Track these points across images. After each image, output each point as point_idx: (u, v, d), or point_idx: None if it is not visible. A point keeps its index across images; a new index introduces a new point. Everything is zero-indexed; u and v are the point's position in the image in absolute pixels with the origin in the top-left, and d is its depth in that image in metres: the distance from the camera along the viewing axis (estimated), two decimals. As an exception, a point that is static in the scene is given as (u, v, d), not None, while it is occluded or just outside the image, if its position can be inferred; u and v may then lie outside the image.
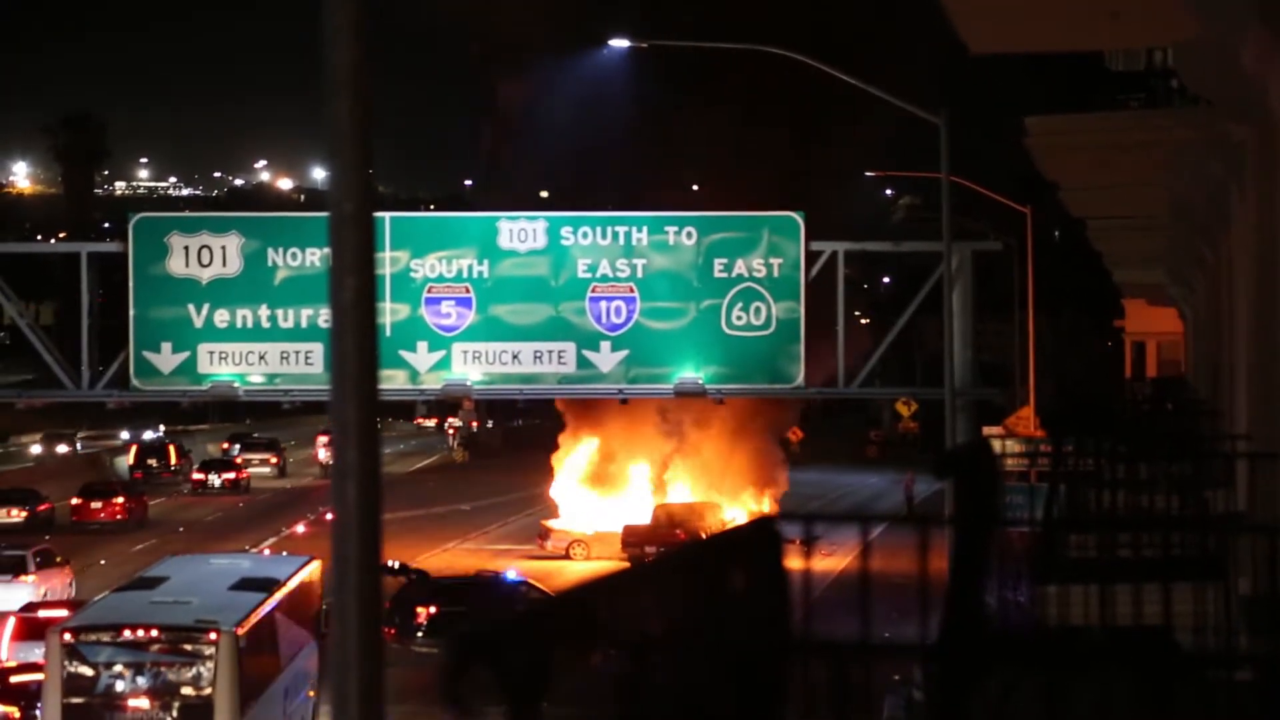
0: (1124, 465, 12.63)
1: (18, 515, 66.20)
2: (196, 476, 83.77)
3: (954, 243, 43.04)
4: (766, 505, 66.76)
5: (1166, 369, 40.69)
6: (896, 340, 52.24)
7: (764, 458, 69.06)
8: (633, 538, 60.01)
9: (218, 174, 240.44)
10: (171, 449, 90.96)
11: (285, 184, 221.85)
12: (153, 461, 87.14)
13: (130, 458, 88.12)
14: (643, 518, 64.29)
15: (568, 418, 68.68)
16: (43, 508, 67.94)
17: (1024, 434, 44.49)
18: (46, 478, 76.78)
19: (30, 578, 48.79)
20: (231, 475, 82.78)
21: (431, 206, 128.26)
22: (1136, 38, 18.02)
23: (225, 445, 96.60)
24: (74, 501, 67.85)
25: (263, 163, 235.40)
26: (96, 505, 67.28)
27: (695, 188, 67.94)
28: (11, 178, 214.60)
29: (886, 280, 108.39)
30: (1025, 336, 56.40)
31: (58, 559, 51.51)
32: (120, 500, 68.11)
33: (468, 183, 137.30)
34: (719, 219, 49.01)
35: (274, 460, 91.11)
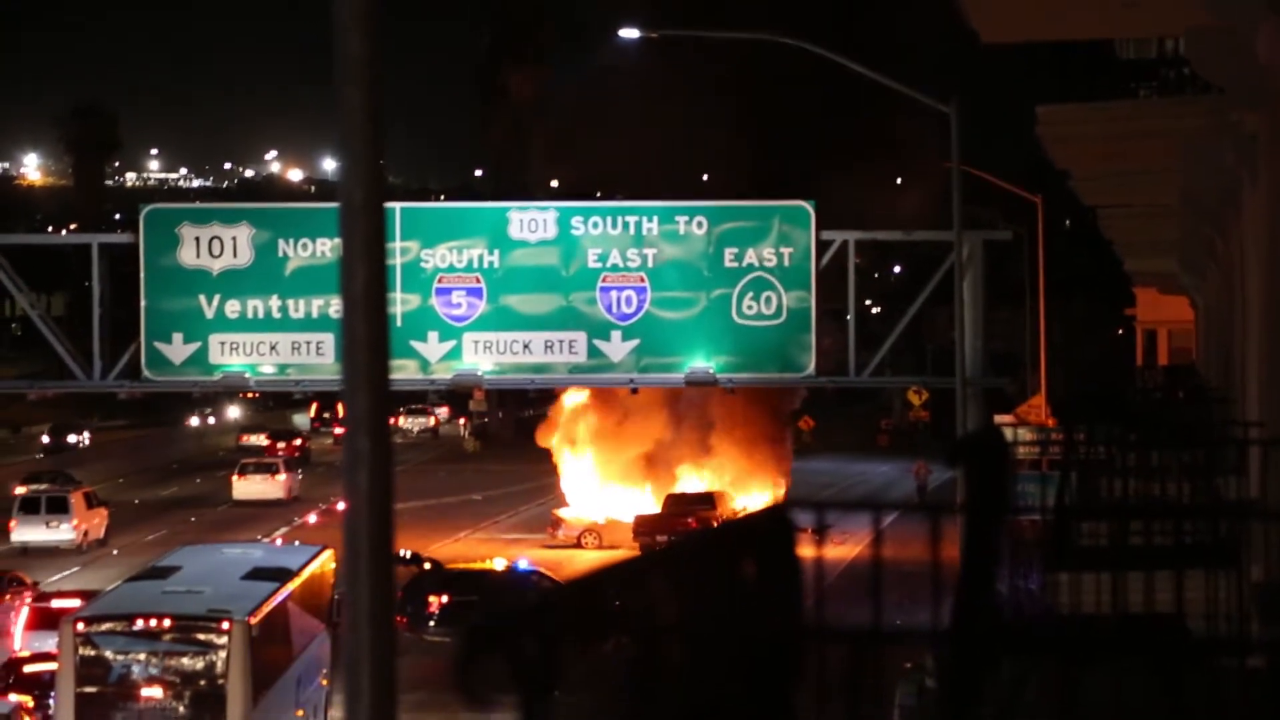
0: (1135, 453, 12.61)
1: (263, 439, 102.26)
2: (338, 431, 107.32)
3: (965, 232, 42.98)
4: (778, 496, 66.76)
5: (1178, 357, 40.65)
6: (907, 329, 52.17)
7: (774, 447, 69.03)
8: (644, 526, 60.03)
9: (228, 165, 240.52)
10: (341, 405, 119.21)
11: (296, 175, 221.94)
12: (327, 414, 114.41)
13: (311, 412, 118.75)
14: (654, 507, 64.33)
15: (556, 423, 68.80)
16: (270, 440, 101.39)
17: (1035, 422, 44.45)
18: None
19: (281, 477, 78.05)
20: None
21: (441, 197, 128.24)
22: (1148, 26, 18.00)
23: None
24: (264, 442, 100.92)
25: (273, 154, 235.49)
26: (281, 445, 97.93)
27: (705, 177, 67.92)
28: (22, 169, 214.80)
29: (897, 269, 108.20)
30: (1036, 325, 56.34)
31: (284, 467, 79.97)
32: (296, 443, 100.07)
33: (478, 173, 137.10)
34: (729, 209, 48.96)
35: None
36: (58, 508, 64.45)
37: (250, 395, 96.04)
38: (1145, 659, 5.83)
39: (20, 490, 70.34)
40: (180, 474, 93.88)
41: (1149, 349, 45.29)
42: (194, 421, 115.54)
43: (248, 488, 77.68)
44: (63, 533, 63.77)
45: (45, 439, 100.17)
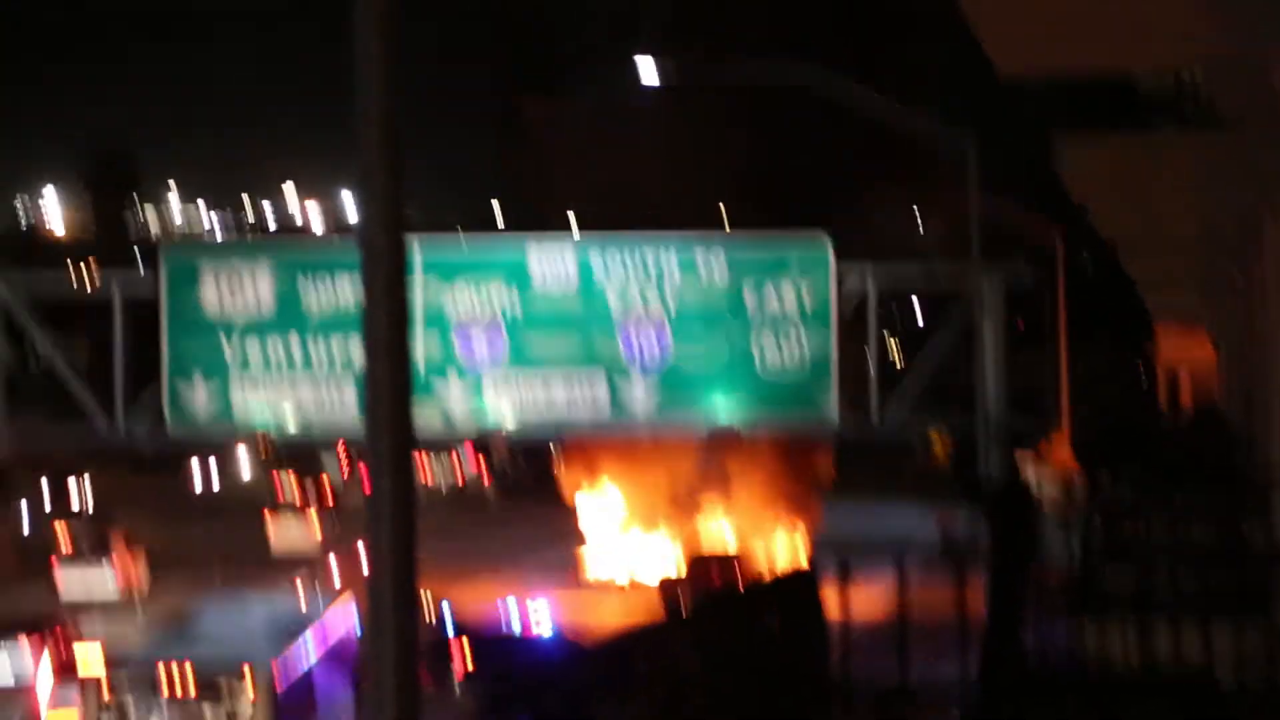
0: (1159, 495, 12.51)
1: (293, 483, 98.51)
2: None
3: (984, 268, 42.88)
4: (801, 546, 66.54)
5: (1200, 396, 40.50)
6: (929, 370, 51.93)
7: (799, 497, 68.77)
8: (670, 582, 59.78)
9: (249, 205, 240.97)
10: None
11: (317, 215, 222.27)
12: (356, 459, 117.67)
13: (341, 456, 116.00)
14: (676, 555, 64.14)
15: (576, 468, 68.50)
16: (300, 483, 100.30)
17: (1058, 464, 44.26)
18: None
19: (314, 520, 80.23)
20: None
21: (460, 233, 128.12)
22: (1166, 58, 17.95)
23: None
24: (294, 486, 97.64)
25: (294, 194, 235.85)
26: (312, 489, 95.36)
27: (725, 214, 67.84)
28: (42, 211, 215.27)
29: (917, 308, 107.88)
30: (1057, 365, 56.11)
31: (317, 510, 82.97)
32: (327, 487, 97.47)
33: (495, 207, 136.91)
34: (748, 244, 48.89)
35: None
36: (98, 553, 66.04)
37: (263, 442, 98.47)
38: (1173, 709, 5.76)
39: (61, 535, 71.01)
40: (207, 519, 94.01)
41: (1171, 388, 45.11)
42: (196, 469, 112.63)
43: (281, 531, 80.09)
44: (105, 578, 65.27)
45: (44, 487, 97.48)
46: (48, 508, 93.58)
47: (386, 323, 6.46)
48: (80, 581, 64.92)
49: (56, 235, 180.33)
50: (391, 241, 6.51)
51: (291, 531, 79.49)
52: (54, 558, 66.20)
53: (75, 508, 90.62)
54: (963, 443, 67.66)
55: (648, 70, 51.82)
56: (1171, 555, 11.22)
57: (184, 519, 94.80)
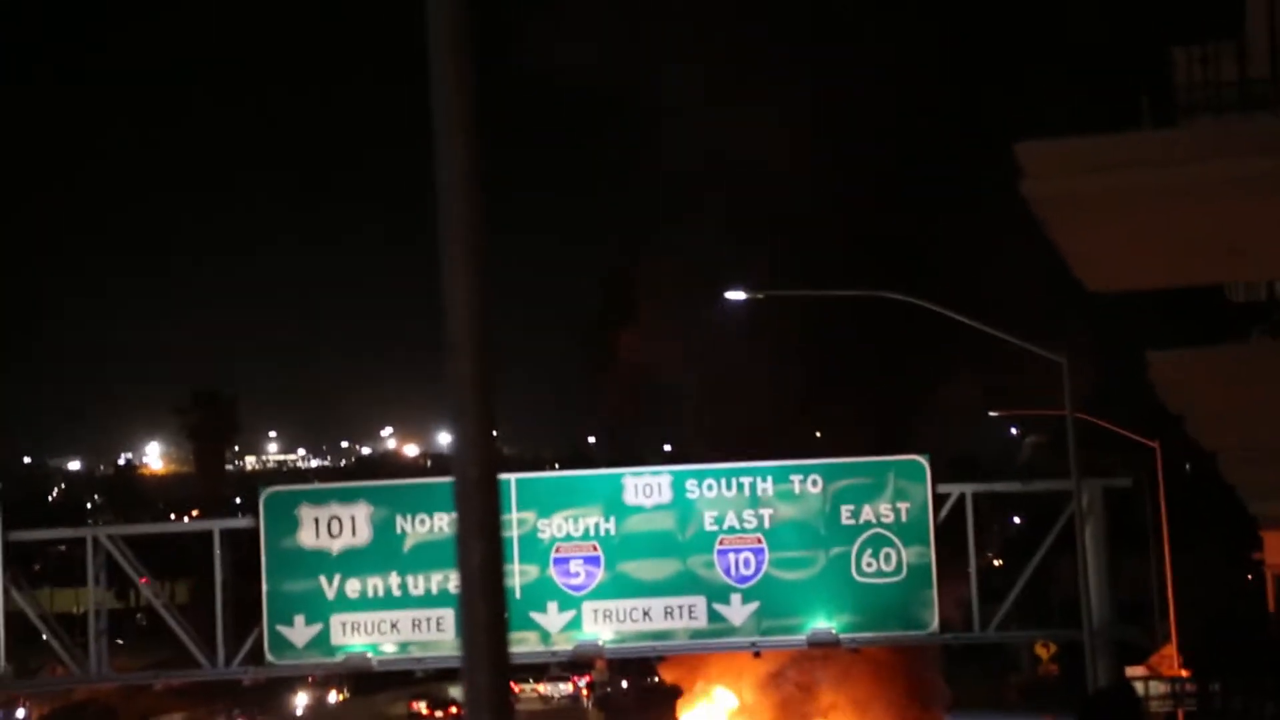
0: (1273, 702, 12.31)
1: (424, 709, 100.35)
2: None
3: (1084, 480, 42.60)
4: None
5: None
6: (1031, 580, 51.48)
7: (903, 707, 67.81)
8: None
9: (345, 444, 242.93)
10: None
11: (411, 450, 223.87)
12: None
13: None
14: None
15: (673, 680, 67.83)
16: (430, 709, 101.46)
17: (1168, 674, 43.51)
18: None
19: None
20: None
21: (556, 466, 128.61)
22: (1254, 272, 17.97)
23: None
24: (423, 710, 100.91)
25: (389, 430, 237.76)
26: (439, 713, 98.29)
27: (818, 434, 67.83)
28: (144, 459, 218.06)
29: (1017, 520, 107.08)
30: (1162, 573, 55.42)
31: None
32: (453, 710, 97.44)
33: (591, 440, 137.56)
34: (844, 465, 48.84)
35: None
36: None
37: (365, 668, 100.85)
38: None
39: None
40: None
41: (1279, 594, 44.39)
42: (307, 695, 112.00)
43: None
44: None
45: None
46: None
47: (482, 555, 6.50)
48: None
49: (160, 484, 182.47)
50: (485, 474, 6.57)
51: None
52: None
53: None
54: (1068, 651, 66.81)
55: (738, 292, 52.31)
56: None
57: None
